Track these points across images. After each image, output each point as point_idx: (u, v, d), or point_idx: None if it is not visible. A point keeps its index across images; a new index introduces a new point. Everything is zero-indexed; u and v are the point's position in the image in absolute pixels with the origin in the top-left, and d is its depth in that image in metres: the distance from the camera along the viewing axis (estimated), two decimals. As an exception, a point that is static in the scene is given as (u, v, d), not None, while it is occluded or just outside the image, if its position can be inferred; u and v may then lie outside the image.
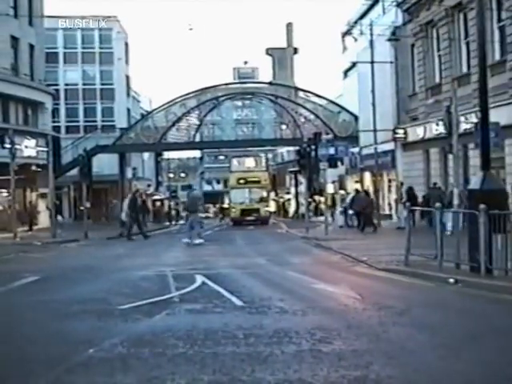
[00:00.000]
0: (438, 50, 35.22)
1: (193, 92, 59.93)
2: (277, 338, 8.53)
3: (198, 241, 29.34)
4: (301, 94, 61.90)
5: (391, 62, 40.09)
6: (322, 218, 40.76)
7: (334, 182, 55.58)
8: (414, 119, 38.59)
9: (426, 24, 36.07)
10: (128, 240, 33.16)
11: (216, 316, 10.46)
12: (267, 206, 56.84)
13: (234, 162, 59.04)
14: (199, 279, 14.98)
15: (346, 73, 58.84)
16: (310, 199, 44.95)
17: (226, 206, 58.37)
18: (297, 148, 50.35)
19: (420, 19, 36.62)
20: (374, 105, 38.01)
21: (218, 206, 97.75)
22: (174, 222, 66.40)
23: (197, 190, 33.38)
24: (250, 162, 58.24)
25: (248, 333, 8.90)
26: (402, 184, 36.60)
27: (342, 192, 47.98)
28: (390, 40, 38.54)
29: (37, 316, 10.97)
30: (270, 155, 67.34)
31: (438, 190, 31.76)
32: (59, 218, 38.71)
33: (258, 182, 55.91)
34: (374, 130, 38.09)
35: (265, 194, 56.49)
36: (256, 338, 8.57)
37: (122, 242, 32.75)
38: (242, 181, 55.97)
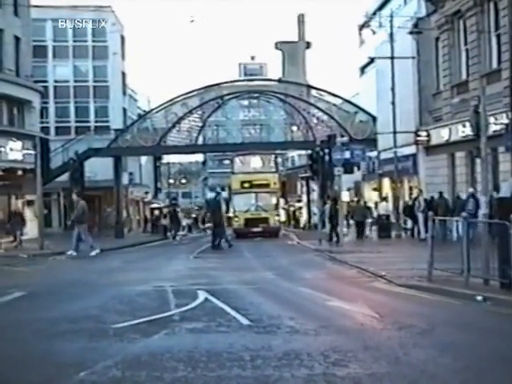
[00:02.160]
0: (465, 43, 35.24)
1: (195, 90, 59.95)
2: (287, 361, 8.55)
3: (94, 252, 31.86)
4: (313, 92, 61.85)
5: (413, 58, 40.13)
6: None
7: (349, 190, 55.58)
8: (437, 120, 38.59)
9: (452, 15, 36.10)
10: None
11: (220, 336, 10.48)
12: (277, 215, 52.48)
13: (237, 161, 54.89)
14: (202, 295, 15.02)
15: (363, 69, 58.92)
16: (323, 208, 44.85)
17: (231, 214, 52.24)
18: (309, 152, 50.30)
19: (445, 10, 36.66)
20: (393, 104, 38.03)
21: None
22: (174, 232, 66.48)
23: (83, 201, 34.07)
24: (256, 162, 54.00)
25: (255, 354, 8.93)
26: (420, 191, 36.64)
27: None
28: (411, 33, 38.59)
29: (22, 336, 10.97)
30: (279, 159, 66.66)
31: (444, 199, 32.50)
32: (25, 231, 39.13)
33: (267, 185, 51.88)
34: (394, 132, 38.10)
35: (274, 200, 52.27)
36: (264, 361, 8.59)
37: (119, 254, 32.81)
38: (246, 184, 51.95)
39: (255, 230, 49.62)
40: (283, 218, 67.31)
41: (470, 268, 14.87)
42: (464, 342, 9.82)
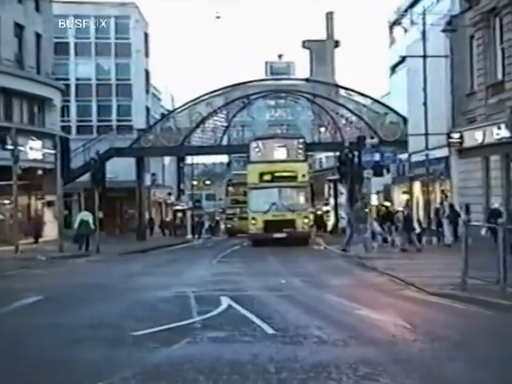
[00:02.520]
0: (501, 42, 34.85)
1: (220, 89, 59.91)
2: (314, 373, 8.39)
3: None
4: (342, 92, 61.71)
5: (446, 56, 39.77)
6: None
7: (378, 193, 55.23)
8: (471, 122, 38.20)
9: (488, 12, 35.71)
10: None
11: (244, 346, 10.33)
12: (306, 217, 44.04)
13: (255, 146, 46.18)
14: (225, 302, 14.95)
15: (393, 68, 58.56)
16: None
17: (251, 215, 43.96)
18: (337, 154, 50.03)
19: (481, 7, 36.27)
20: (425, 105, 37.70)
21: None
22: (197, 236, 66.65)
23: None
24: (279, 148, 45.72)
25: (280, 366, 8.76)
26: (446, 197, 36.25)
27: (388, 204, 47.57)
28: (445, 31, 38.21)
29: (38, 342, 10.89)
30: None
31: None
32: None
33: (293, 177, 43.62)
34: (426, 134, 37.78)
35: (303, 197, 44.09)
36: (290, 373, 8.42)
37: (146, 257, 32.82)
38: (266, 176, 43.73)
39: (278, 235, 41.57)
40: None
41: (506, 277, 14.60)
42: (501, 356, 9.58)
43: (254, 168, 44.39)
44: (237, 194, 65.83)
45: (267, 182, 43.44)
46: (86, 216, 37.32)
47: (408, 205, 37.70)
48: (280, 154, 45.14)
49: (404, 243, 32.06)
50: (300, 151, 45.54)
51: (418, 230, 33.18)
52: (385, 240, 35.83)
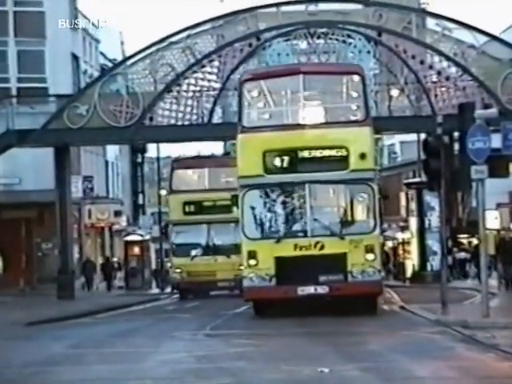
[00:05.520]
0: None
1: (208, 22, 59.94)
2: None
3: None
4: (431, 24, 61.71)
5: None
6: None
7: (499, 207, 55.23)
8: None
9: None
10: None
11: None
12: (371, 250, 37.39)
13: (254, 96, 41.07)
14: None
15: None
16: (451, 242, 44.53)
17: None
18: (422, 136, 50.03)
19: None
20: None
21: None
22: (169, 289, 66.73)
23: None
24: (309, 99, 40.80)
25: None
26: None
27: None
28: None
29: None
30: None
31: None
32: None
33: (341, 161, 38.01)
34: None
35: (362, 206, 39.05)
36: None
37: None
38: (281, 159, 38.42)
39: (308, 291, 37.16)
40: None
41: None
42: None
43: (252, 141, 39.03)
44: (198, 190, 61.96)
45: (282, 171, 38.64)
46: None
47: None
48: (311, 109, 40.84)
49: None
50: (355, 105, 41.20)
51: None
52: None
